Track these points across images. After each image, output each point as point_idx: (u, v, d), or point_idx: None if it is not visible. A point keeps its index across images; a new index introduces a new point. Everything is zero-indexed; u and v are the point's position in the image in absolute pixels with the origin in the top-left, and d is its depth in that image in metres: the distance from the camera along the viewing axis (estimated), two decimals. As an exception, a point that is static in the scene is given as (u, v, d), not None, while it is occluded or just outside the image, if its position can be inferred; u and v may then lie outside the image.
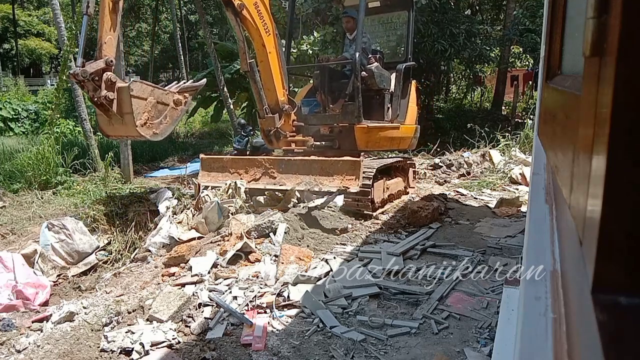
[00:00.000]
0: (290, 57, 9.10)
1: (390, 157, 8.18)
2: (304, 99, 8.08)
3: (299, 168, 6.49)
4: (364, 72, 7.19)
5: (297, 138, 7.22)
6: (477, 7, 19.44)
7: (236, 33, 6.41)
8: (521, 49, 17.75)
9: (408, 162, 8.50)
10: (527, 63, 19.56)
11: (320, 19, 14.30)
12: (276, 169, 6.61)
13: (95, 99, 5.41)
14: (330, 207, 6.21)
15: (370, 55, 7.46)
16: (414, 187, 8.61)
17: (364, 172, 6.28)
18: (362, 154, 7.47)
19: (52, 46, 34.15)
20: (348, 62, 7.44)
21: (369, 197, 6.31)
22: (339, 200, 6.66)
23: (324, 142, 7.39)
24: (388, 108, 7.77)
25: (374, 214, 6.57)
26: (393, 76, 7.92)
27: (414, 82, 8.56)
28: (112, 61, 5.47)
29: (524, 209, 6.79)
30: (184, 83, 6.24)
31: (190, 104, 6.27)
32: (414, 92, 8.52)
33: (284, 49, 7.93)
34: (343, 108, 7.26)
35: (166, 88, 5.93)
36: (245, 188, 6.81)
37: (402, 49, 9.17)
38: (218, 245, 5.52)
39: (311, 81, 8.53)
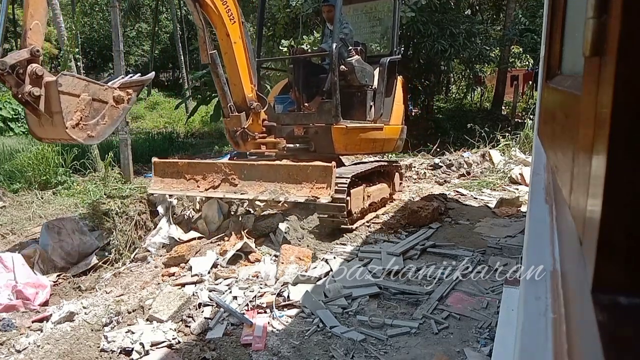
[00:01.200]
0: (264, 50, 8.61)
1: (372, 161, 7.41)
2: (277, 96, 7.35)
3: (263, 174, 5.70)
4: (343, 66, 6.49)
5: (267, 140, 6.38)
6: (477, 7, 19.45)
7: (195, 20, 5.71)
8: (521, 49, 17.75)
9: (394, 165, 7.93)
10: (527, 63, 19.57)
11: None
12: (237, 175, 5.83)
13: (19, 96, 4.51)
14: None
15: (351, 48, 6.71)
16: (401, 191, 8.05)
17: (338, 182, 5.56)
18: (334, 160, 6.78)
19: (52, 46, 34.13)
20: (324, 54, 6.77)
21: (344, 211, 5.62)
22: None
23: (297, 145, 6.64)
24: (370, 106, 7.09)
25: (353, 226, 5.97)
26: (376, 71, 7.22)
27: (400, 78, 7.91)
28: (38, 51, 4.51)
29: (524, 209, 6.79)
30: (131, 77, 5.38)
31: (135, 101, 5.33)
32: (400, 90, 7.83)
33: (254, 42, 7.36)
34: (319, 106, 6.51)
35: (106, 83, 5.07)
36: (200, 198, 6.29)
37: (388, 41, 8.33)
38: (218, 245, 5.52)
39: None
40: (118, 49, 9.47)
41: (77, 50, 12.46)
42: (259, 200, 5.82)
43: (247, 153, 7.28)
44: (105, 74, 38.96)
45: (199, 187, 5.96)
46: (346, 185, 5.60)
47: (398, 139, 7.81)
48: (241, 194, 5.69)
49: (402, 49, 15.20)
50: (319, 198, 5.26)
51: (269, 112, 6.58)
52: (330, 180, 5.29)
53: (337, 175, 5.54)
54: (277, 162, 5.93)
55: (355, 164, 7.75)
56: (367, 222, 6.38)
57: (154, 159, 6.62)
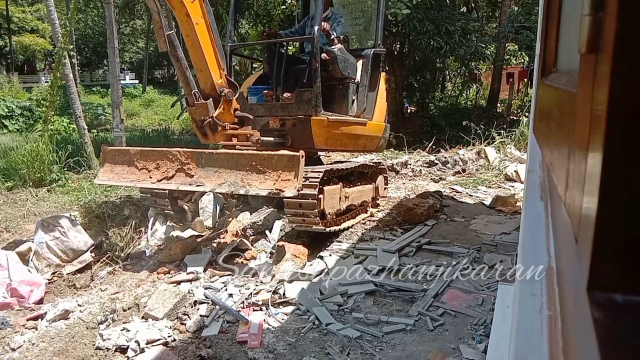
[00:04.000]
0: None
1: (352, 159, 6.74)
2: (251, 86, 6.64)
3: (223, 163, 5.09)
4: (324, 54, 5.86)
5: (239, 131, 5.70)
6: (473, 5, 19.46)
7: (149, 5, 5.06)
8: (516, 47, 17.78)
9: (378, 167, 7.28)
10: (522, 60, 19.60)
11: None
12: (194, 164, 5.22)
13: None
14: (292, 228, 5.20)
15: (333, 36, 6.03)
16: (385, 197, 7.43)
17: (309, 176, 5.08)
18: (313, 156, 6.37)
19: (47, 42, 33.93)
20: (305, 38, 6.29)
21: (314, 209, 5.05)
22: (275, 231, 5.59)
23: (273, 138, 6.04)
24: (353, 100, 6.51)
25: (327, 229, 5.39)
26: (359, 64, 6.65)
27: (383, 74, 7.39)
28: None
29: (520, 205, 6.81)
30: None
31: None
32: (383, 86, 7.32)
33: (227, 24, 6.69)
34: (298, 96, 5.90)
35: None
36: (152, 190, 5.82)
37: (371, 34, 7.70)
38: (214, 242, 5.52)
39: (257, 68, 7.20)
40: (113, 46, 9.44)
41: (71, 47, 12.42)
42: (216, 192, 5.35)
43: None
44: (99, 71, 38.83)
45: (151, 177, 5.39)
46: (318, 180, 5.08)
47: (381, 137, 7.38)
48: (197, 185, 5.14)
49: (398, 46, 15.22)
50: (283, 191, 4.65)
51: (240, 102, 5.95)
52: (298, 171, 4.66)
53: (309, 169, 5.16)
54: (239, 151, 5.38)
55: (335, 162, 7.38)
56: (347, 228, 5.93)
57: (104, 146, 6.02)
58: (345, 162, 7.02)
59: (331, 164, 6.86)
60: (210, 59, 5.26)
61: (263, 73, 6.76)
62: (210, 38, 5.22)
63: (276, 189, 4.68)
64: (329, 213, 5.45)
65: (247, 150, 5.47)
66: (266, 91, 6.21)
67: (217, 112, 5.37)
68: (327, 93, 6.00)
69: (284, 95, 5.98)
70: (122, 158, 5.68)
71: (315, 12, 5.87)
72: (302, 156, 4.73)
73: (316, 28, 5.65)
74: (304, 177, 4.82)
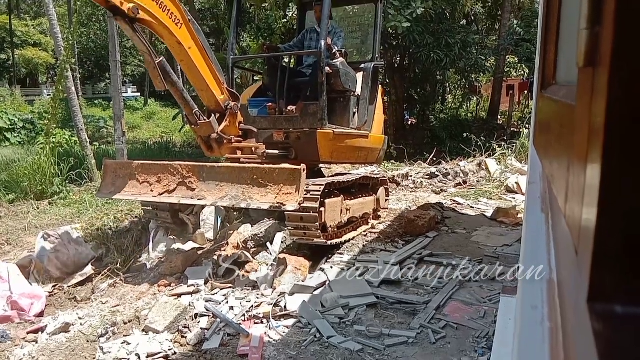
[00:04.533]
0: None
1: (353, 171, 6.73)
2: (251, 98, 6.62)
3: (224, 177, 5.07)
4: (328, 68, 5.94)
5: (245, 144, 5.73)
6: (473, 18, 19.59)
7: (138, 46, 4.93)
8: (516, 59, 17.86)
9: (379, 178, 7.30)
10: (522, 73, 19.68)
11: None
12: (196, 177, 5.19)
13: None
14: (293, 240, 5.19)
15: (335, 50, 6.12)
16: (387, 209, 7.38)
17: (311, 189, 5.03)
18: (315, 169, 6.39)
19: (49, 56, 34.14)
20: (311, 52, 6.33)
21: (316, 222, 5.01)
22: (277, 243, 5.53)
23: (277, 151, 6.05)
24: (354, 113, 6.57)
25: (328, 242, 5.35)
26: (359, 76, 6.70)
27: (380, 88, 7.48)
28: None
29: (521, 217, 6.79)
30: None
31: None
32: (381, 100, 7.42)
33: (229, 37, 6.76)
34: (303, 109, 5.97)
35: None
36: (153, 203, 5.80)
37: (368, 48, 7.78)
38: (215, 255, 5.51)
39: (255, 79, 7.30)
40: (115, 59, 9.51)
41: (73, 60, 12.51)
42: (218, 206, 5.33)
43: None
44: (102, 84, 39.03)
45: (152, 191, 5.36)
46: (319, 194, 5.05)
47: (381, 149, 7.45)
48: (199, 199, 5.13)
49: (399, 59, 15.29)
50: (284, 205, 4.65)
51: (243, 114, 6.02)
52: (299, 185, 4.66)
53: (310, 182, 5.14)
54: (241, 164, 5.39)
55: (336, 174, 7.36)
56: (348, 241, 5.89)
57: (105, 160, 6.03)
58: (346, 174, 7.03)
59: (332, 176, 6.86)
60: (209, 78, 5.26)
61: (262, 85, 6.75)
62: (204, 57, 5.19)
63: (277, 203, 4.66)
64: (330, 226, 5.42)
65: (250, 163, 5.46)
66: (270, 104, 6.23)
67: (222, 126, 5.40)
68: (329, 106, 6.04)
69: (289, 108, 6.02)
70: (124, 172, 5.64)
71: (321, 27, 5.95)
72: (304, 170, 4.73)
73: (323, 43, 5.73)
74: (305, 190, 4.81)
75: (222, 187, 5.03)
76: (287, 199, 4.67)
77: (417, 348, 3.70)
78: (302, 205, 4.72)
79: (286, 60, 6.95)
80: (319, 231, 5.09)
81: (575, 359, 0.48)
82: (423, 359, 3.55)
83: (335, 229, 5.62)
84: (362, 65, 6.80)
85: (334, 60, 6.05)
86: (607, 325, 0.41)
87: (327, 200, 5.31)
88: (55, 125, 11.24)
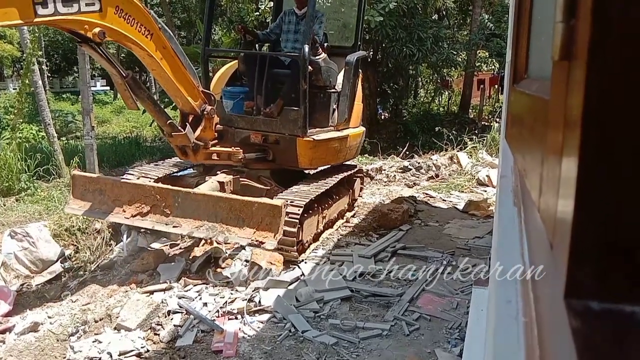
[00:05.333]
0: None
1: (332, 176, 6.34)
2: (225, 88, 6.23)
3: (200, 205, 4.83)
4: (309, 66, 5.63)
5: (222, 149, 5.56)
6: (444, 12, 19.73)
7: (107, 69, 4.69)
8: (487, 54, 18.07)
9: (356, 173, 7.17)
10: (493, 67, 19.93)
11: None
12: (169, 203, 4.91)
13: None
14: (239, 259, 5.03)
15: (317, 45, 5.82)
16: (362, 197, 7.36)
17: (288, 211, 4.83)
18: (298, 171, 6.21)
19: (15, 49, 33.14)
20: (293, 55, 5.93)
21: (294, 245, 4.96)
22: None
23: (253, 154, 5.86)
24: (334, 110, 6.28)
25: (301, 257, 5.24)
26: (341, 73, 6.37)
27: (360, 74, 7.00)
28: None
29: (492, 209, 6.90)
30: None
31: None
32: (360, 88, 6.97)
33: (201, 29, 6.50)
34: (283, 112, 5.70)
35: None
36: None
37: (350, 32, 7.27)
38: (188, 251, 5.44)
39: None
40: (83, 52, 9.26)
41: (40, 53, 12.17)
42: (194, 236, 5.10)
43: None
44: (70, 77, 38.16)
45: (124, 211, 5.06)
46: (298, 217, 4.91)
47: (359, 143, 7.21)
48: (174, 226, 4.85)
49: (372, 53, 15.31)
50: (263, 243, 4.50)
51: (219, 110, 5.73)
52: (278, 225, 4.50)
53: (289, 200, 5.01)
54: (217, 192, 5.19)
55: (317, 173, 6.90)
56: (321, 242, 5.79)
57: (74, 172, 5.73)
58: (325, 174, 6.58)
59: (311, 176, 6.58)
60: (182, 85, 5.04)
61: (238, 71, 6.43)
62: (177, 65, 4.94)
63: (256, 240, 4.54)
64: (307, 241, 5.37)
65: (226, 194, 5.25)
66: (247, 102, 6.02)
67: (198, 132, 5.23)
68: (308, 102, 5.77)
69: (267, 110, 5.79)
70: (93, 186, 5.33)
71: (305, 30, 5.68)
72: (284, 206, 4.63)
73: (306, 48, 5.47)
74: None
75: (198, 215, 4.81)
76: (266, 235, 4.53)
77: (391, 340, 3.73)
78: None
79: (270, 50, 6.70)
80: (296, 252, 5.06)
81: (551, 354, 0.48)
82: (397, 351, 3.58)
83: (311, 241, 5.56)
84: (347, 58, 6.41)
85: (316, 57, 5.80)
86: (585, 321, 0.40)
87: (305, 221, 5.21)
88: (21, 120, 10.95)
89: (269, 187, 5.87)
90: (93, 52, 4.30)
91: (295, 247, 4.96)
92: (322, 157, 6.17)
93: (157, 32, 4.65)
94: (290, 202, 5.02)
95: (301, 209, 4.98)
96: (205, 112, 5.26)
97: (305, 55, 5.47)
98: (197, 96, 5.23)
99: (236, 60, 6.57)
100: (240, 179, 5.79)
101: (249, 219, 4.63)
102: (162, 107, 5.18)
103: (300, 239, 5.13)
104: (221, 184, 5.46)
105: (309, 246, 5.50)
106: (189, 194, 4.96)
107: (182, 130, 5.08)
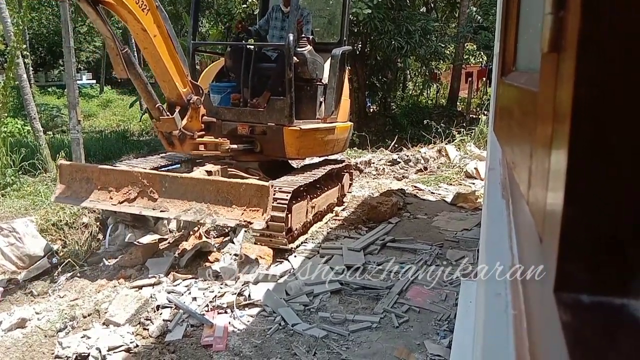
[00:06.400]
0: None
1: (319, 168, 6.46)
2: (213, 83, 6.31)
3: (188, 189, 4.83)
4: (295, 57, 5.72)
5: (208, 140, 5.56)
6: (432, 5, 19.75)
7: (101, 31, 4.67)
8: (475, 46, 18.12)
9: (344, 166, 7.29)
10: (481, 60, 20.00)
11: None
12: (157, 188, 4.91)
13: None
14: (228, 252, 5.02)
15: (303, 36, 5.94)
16: (351, 192, 7.42)
17: (277, 196, 4.87)
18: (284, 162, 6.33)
19: (-2, 42, 32.66)
20: (278, 45, 6.05)
21: (282, 231, 4.94)
22: (240, 233, 5.31)
23: (240, 145, 5.87)
24: (320, 103, 6.34)
25: (292, 246, 5.25)
26: (327, 64, 6.45)
27: (347, 69, 7.14)
28: None
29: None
30: None
31: None
32: (347, 83, 7.05)
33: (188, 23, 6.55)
34: (269, 104, 5.77)
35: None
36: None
37: (336, 28, 7.36)
38: (176, 245, 5.42)
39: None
40: (68, 45, 9.16)
41: (24, 46, 12.00)
42: (181, 219, 5.11)
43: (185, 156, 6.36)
44: (55, 71, 37.71)
45: (111, 198, 5.07)
46: (286, 202, 4.92)
47: (347, 137, 7.31)
48: (161, 211, 4.86)
49: (360, 45, 15.30)
50: (251, 223, 4.53)
51: (206, 103, 5.72)
52: (266, 203, 4.53)
53: (277, 187, 5.02)
54: (205, 176, 5.23)
55: (303, 166, 7.10)
56: (310, 235, 5.80)
57: (61, 162, 5.68)
58: (313, 166, 6.77)
59: (299, 169, 6.69)
60: (173, 69, 5.03)
61: (225, 67, 6.46)
62: (169, 47, 4.95)
63: (244, 221, 4.55)
64: (296, 229, 5.38)
65: (214, 177, 5.29)
66: (234, 94, 6.05)
67: (184, 122, 5.22)
68: (295, 95, 5.82)
69: (254, 101, 5.85)
70: (80, 175, 5.31)
71: (290, 20, 5.75)
72: (272, 187, 4.65)
73: (291, 37, 5.53)
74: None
75: (185, 199, 4.81)
76: (254, 215, 4.55)
77: (380, 332, 3.74)
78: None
79: (256, 46, 6.61)
80: (285, 239, 5.04)
81: (541, 347, 0.48)
82: (387, 343, 3.60)
83: (301, 230, 5.58)
84: (332, 52, 6.48)
85: (302, 49, 5.87)
86: (575, 315, 0.40)
87: (293, 206, 5.21)
88: (6, 114, 10.80)
89: (257, 178, 5.85)
90: (90, 9, 4.32)
91: (284, 233, 4.95)
92: (309, 147, 6.21)
93: (153, 10, 4.72)
94: (279, 188, 5.04)
95: (289, 195, 5.00)
96: (191, 102, 5.26)
97: (289, 43, 5.53)
98: (186, 83, 5.24)
99: (223, 58, 6.59)
100: (229, 169, 5.81)
101: (236, 200, 4.64)
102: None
103: (289, 226, 5.12)
104: (209, 173, 5.45)
105: (298, 236, 5.50)
106: (176, 177, 4.99)
107: (170, 114, 5.09)
